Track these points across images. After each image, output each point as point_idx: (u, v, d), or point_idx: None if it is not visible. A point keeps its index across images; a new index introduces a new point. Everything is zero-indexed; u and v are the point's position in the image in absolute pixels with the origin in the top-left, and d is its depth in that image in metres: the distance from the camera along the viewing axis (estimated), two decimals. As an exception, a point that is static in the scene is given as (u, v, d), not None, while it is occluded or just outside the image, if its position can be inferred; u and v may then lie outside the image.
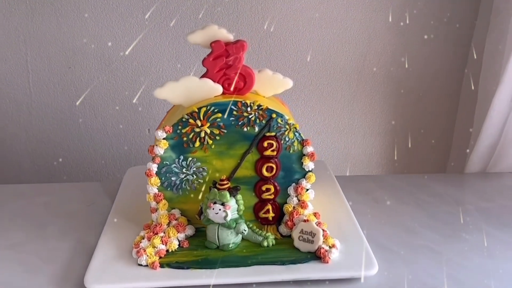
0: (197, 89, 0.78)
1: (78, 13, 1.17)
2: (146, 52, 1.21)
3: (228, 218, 0.74)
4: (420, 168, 1.29)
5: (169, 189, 0.79)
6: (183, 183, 0.79)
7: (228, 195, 0.74)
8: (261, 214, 0.81)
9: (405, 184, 1.01)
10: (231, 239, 0.76)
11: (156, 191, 0.79)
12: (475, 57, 1.14)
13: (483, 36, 1.09)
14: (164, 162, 0.78)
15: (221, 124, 0.77)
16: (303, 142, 0.79)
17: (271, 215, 0.81)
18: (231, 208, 0.74)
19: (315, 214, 0.81)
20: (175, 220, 0.79)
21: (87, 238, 0.82)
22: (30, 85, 1.24)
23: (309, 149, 0.79)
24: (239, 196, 0.76)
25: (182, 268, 0.72)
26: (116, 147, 1.29)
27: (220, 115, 0.76)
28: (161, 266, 0.72)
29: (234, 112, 0.77)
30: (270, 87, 0.82)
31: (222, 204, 0.74)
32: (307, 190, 0.81)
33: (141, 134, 1.28)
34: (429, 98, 1.25)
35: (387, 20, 1.18)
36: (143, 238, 0.77)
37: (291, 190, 0.80)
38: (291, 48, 1.20)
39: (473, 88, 1.13)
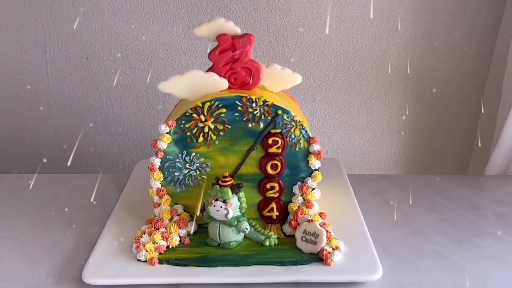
0: (202, 83, 0.76)
1: (95, 4, 1.17)
2: (164, 43, 1.20)
3: (229, 216, 0.73)
4: (440, 169, 1.25)
5: (172, 184, 0.78)
6: (186, 179, 0.78)
7: (230, 192, 0.73)
8: (265, 213, 0.80)
9: (421, 185, 0.97)
10: (233, 237, 0.74)
11: (159, 185, 0.78)
12: (500, 55, 1.09)
13: (509, 34, 1.04)
14: (168, 157, 0.77)
15: (225, 119, 0.75)
16: (309, 140, 0.77)
17: (275, 213, 0.79)
18: (233, 205, 0.73)
19: (320, 214, 0.79)
20: (177, 215, 0.78)
21: (91, 231, 0.82)
22: (49, 75, 1.25)
23: (315, 147, 0.77)
24: (241, 194, 0.74)
25: (181, 265, 0.71)
26: (132, 139, 1.29)
27: (224, 110, 0.75)
28: (160, 262, 0.71)
29: (239, 108, 0.75)
30: (278, 83, 0.80)
31: (224, 201, 0.72)
32: (313, 189, 0.78)
33: (157, 126, 1.28)
34: (451, 97, 1.20)
35: (408, 14, 1.14)
36: (144, 233, 0.76)
37: (296, 189, 0.78)
38: (308, 42, 1.17)
39: (496, 87, 1.08)
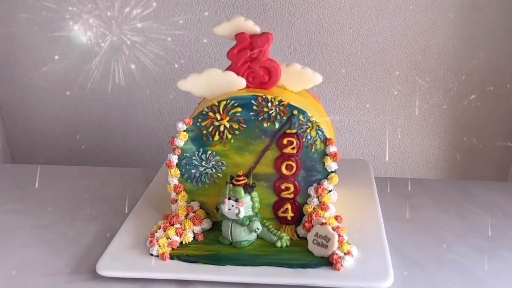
0: (220, 82, 0.77)
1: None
2: (202, 45, 1.21)
3: (241, 215, 0.73)
4: (482, 174, 1.19)
5: (189, 181, 0.79)
6: (203, 176, 0.79)
7: (242, 191, 0.73)
8: (280, 213, 0.79)
9: (452, 191, 0.93)
10: (244, 236, 0.74)
11: (177, 182, 0.79)
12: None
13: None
14: (185, 154, 0.78)
15: (241, 118, 0.75)
16: (326, 141, 0.75)
17: (290, 214, 0.79)
18: (245, 205, 0.73)
19: (336, 217, 0.77)
20: (193, 212, 0.79)
21: (114, 223, 0.84)
22: (94, 71, 1.29)
23: (332, 148, 0.75)
24: (254, 194, 0.74)
25: (190, 261, 0.72)
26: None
27: (239, 109, 0.75)
28: (171, 258, 0.72)
29: (254, 107, 0.75)
30: (298, 82, 0.79)
31: (236, 200, 0.73)
32: (329, 191, 0.77)
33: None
34: (497, 98, 1.14)
35: (449, 11, 1.09)
36: (160, 228, 0.77)
37: (311, 191, 0.77)
38: (344, 40, 1.15)
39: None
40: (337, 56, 1.16)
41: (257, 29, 0.77)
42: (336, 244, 0.71)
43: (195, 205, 0.80)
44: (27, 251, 0.79)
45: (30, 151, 1.36)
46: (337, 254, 0.70)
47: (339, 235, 0.72)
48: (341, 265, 0.69)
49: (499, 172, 1.18)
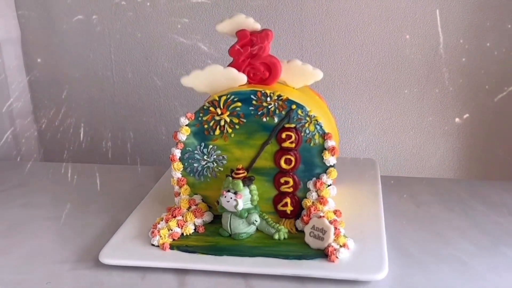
0: (221, 78, 0.79)
1: (154, 8, 1.23)
2: (217, 45, 1.23)
3: (239, 207, 0.74)
4: (496, 176, 1.17)
5: (191, 175, 0.82)
6: (205, 170, 0.81)
7: (241, 184, 0.74)
8: (280, 207, 0.80)
9: (459, 190, 0.92)
10: (243, 228, 0.76)
11: (180, 175, 0.82)
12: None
13: None
14: (187, 148, 0.80)
15: (241, 113, 0.77)
16: (324, 136, 0.76)
17: (289, 208, 0.80)
18: (243, 197, 0.74)
19: (335, 211, 0.78)
20: (195, 205, 0.81)
21: (121, 217, 0.87)
22: (113, 74, 1.33)
23: (330, 143, 0.76)
24: (253, 186, 0.75)
25: (189, 252, 0.74)
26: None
27: (239, 104, 0.77)
28: (171, 248, 0.74)
29: (254, 102, 0.76)
30: (299, 78, 0.81)
31: (235, 193, 0.74)
32: (329, 186, 0.78)
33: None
34: (509, 98, 1.12)
35: (460, 11, 1.08)
36: (162, 220, 0.79)
37: (310, 185, 0.78)
38: (355, 41, 1.16)
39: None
40: (348, 58, 1.17)
41: (257, 26, 0.79)
42: (332, 236, 0.72)
43: (197, 198, 0.82)
44: (36, 241, 0.82)
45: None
46: (332, 246, 0.71)
47: (336, 228, 0.73)
48: (336, 257, 0.70)
49: (514, 173, 1.17)
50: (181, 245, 0.75)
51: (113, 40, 1.29)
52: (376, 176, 0.95)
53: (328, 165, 0.77)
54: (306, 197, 0.79)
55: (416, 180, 0.98)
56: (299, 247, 0.73)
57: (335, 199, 0.79)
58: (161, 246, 0.75)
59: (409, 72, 1.15)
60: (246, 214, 0.75)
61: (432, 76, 1.15)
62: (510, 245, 0.75)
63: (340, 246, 0.71)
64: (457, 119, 1.16)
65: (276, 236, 0.75)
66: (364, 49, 1.16)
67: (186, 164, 0.81)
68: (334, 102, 1.17)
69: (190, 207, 0.81)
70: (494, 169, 1.18)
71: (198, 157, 0.80)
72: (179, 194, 0.82)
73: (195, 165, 0.81)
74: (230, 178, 0.75)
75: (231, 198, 0.74)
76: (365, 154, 1.23)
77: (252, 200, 0.76)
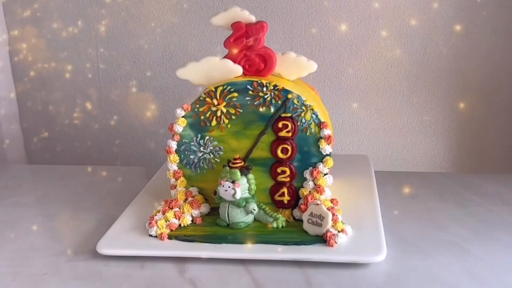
0: (217, 69, 0.83)
1: (142, 9, 1.27)
2: (207, 47, 1.28)
3: (237, 196, 0.78)
4: (488, 170, 1.23)
5: (188, 167, 0.85)
6: (201, 162, 0.85)
7: (238, 173, 0.78)
8: (276, 197, 0.84)
9: (453, 183, 0.98)
10: (241, 218, 0.79)
11: (176, 168, 0.85)
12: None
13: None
14: (183, 140, 0.84)
15: (237, 103, 0.81)
16: (320, 125, 0.80)
17: (286, 198, 0.84)
18: (241, 186, 0.78)
19: (332, 200, 0.82)
20: (192, 197, 0.84)
21: (115, 212, 0.90)
22: (100, 78, 1.36)
23: (326, 132, 0.80)
24: (250, 176, 0.79)
25: (188, 241, 0.77)
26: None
27: (236, 94, 0.81)
28: (169, 238, 0.78)
29: (250, 92, 0.81)
30: (293, 70, 0.85)
31: (233, 182, 0.78)
32: (325, 174, 0.82)
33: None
34: (499, 95, 1.18)
35: (448, 10, 1.15)
36: (159, 212, 0.82)
37: (307, 174, 0.82)
38: (345, 41, 1.21)
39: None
40: (338, 57, 1.22)
41: (252, 19, 0.83)
42: (330, 222, 0.76)
43: (194, 190, 0.86)
44: (29, 237, 0.85)
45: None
46: (331, 231, 0.75)
47: (333, 214, 0.77)
48: (335, 241, 0.74)
49: (508, 167, 1.22)
50: (179, 235, 0.78)
51: (101, 43, 1.32)
52: (370, 170, 1.00)
53: (324, 154, 0.81)
54: (302, 187, 0.83)
55: (410, 174, 1.03)
56: (298, 234, 0.77)
57: (331, 192, 0.83)
58: (159, 236, 0.78)
59: (398, 71, 1.21)
60: (244, 203, 0.79)
61: (422, 75, 1.20)
62: (505, 231, 0.80)
63: (338, 232, 0.75)
64: (448, 117, 1.22)
65: (275, 225, 0.79)
66: (353, 49, 1.22)
67: (182, 156, 0.85)
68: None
69: (187, 199, 0.84)
70: (485, 165, 1.24)
71: (195, 148, 0.84)
72: (175, 186, 0.86)
73: (192, 157, 0.85)
74: (228, 168, 0.79)
75: (229, 187, 0.78)
76: (356, 153, 1.27)
77: (249, 190, 0.79)
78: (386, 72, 1.22)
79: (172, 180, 0.86)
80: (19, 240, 0.83)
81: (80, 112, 1.38)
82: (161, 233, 0.78)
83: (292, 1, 1.21)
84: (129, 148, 1.38)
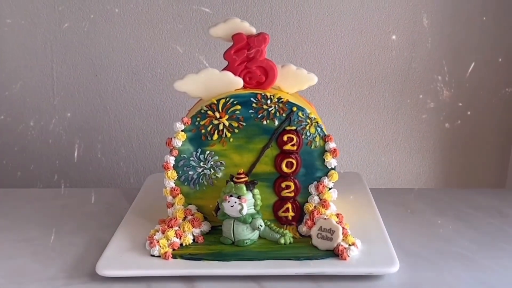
0: (217, 82, 0.90)
1: (107, 19, 1.34)
2: (177, 60, 1.36)
3: (244, 212, 0.85)
4: (475, 184, 1.37)
5: (186, 183, 0.92)
6: (200, 178, 0.92)
7: (244, 188, 0.86)
8: (280, 213, 0.92)
9: (447, 197, 1.10)
10: (247, 234, 0.87)
11: (173, 185, 0.92)
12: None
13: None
14: (182, 155, 0.91)
15: (240, 116, 0.89)
16: (325, 138, 0.90)
17: (290, 214, 0.92)
18: (247, 201, 0.85)
19: (337, 215, 0.91)
20: (191, 215, 0.91)
21: (102, 235, 0.95)
22: (55, 93, 1.40)
23: (331, 145, 0.90)
24: (256, 191, 0.87)
25: (195, 259, 0.83)
26: (141, 159, 1.43)
27: (239, 107, 0.89)
28: (174, 257, 0.84)
29: (254, 105, 0.89)
30: (294, 83, 0.94)
31: (238, 197, 0.86)
32: (330, 189, 0.91)
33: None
34: (484, 111, 1.33)
35: (433, 23, 1.29)
36: (158, 231, 0.89)
37: (312, 188, 0.91)
38: (328, 55, 1.32)
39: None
40: (321, 72, 1.33)
41: (253, 30, 0.92)
42: (340, 236, 0.85)
43: (192, 208, 0.92)
44: (14, 262, 0.88)
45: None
46: (342, 245, 0.84)
47: (343, 228, 0.86)
48: (348, 255, 0.83)
49: (495, 183, 1.36)
50: (184, 253, 0.85)
51: (56, 55, 1.37)
52: (365, 187, 1.10)
53: (330, 167, 0.91)
54: (307, 202, 0.92)
55: (404, 190, 1.14)
56: (307, 250, 0.85)
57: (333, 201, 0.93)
58: (162, 256, 0.84)
59: (383, 87, 1.34)
60: (250, 219, 0.86)
61: (407, 91, 1.33)
62: (508, 241, 0.92)
63: (349, 245, 0.84)
64: (433, 134, 1.35)
65: (282, 241, 0.87)
66: (337, 64, 1.33)
67: (180, 172, 0.91)
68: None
69: (186, 217, 0.91)
70: (471, 179, 1.38)
71: (194, 164, 0.91)
72: (172, 204, 0.92)
73: (190, 172, 0.92)
74: (232, 183, 0.87)
75: (235, 202, 0.85)
76: (340, 170, 1.38)
77: (255, 205, 0.87)
78: (370, 88, 1.33)
79: (169, 198, 0.92)
80: (3, 266, 0.87)
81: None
82: (165, 253, 0.84)
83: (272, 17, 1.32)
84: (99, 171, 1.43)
